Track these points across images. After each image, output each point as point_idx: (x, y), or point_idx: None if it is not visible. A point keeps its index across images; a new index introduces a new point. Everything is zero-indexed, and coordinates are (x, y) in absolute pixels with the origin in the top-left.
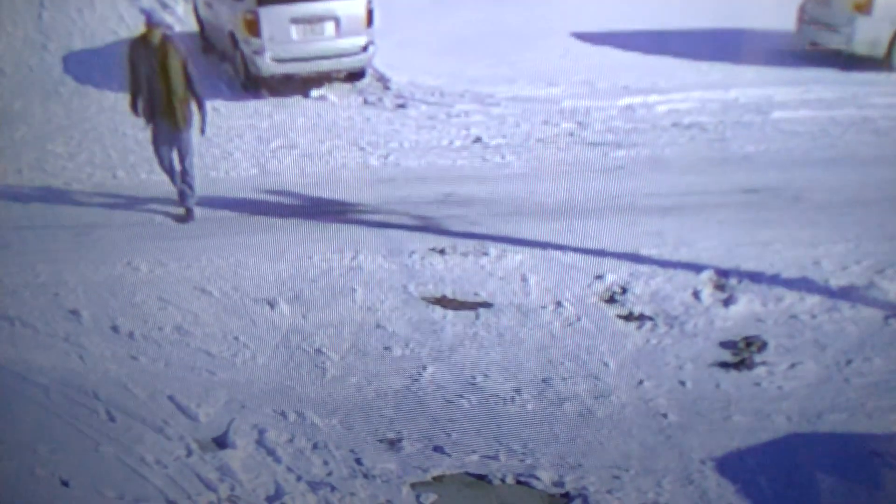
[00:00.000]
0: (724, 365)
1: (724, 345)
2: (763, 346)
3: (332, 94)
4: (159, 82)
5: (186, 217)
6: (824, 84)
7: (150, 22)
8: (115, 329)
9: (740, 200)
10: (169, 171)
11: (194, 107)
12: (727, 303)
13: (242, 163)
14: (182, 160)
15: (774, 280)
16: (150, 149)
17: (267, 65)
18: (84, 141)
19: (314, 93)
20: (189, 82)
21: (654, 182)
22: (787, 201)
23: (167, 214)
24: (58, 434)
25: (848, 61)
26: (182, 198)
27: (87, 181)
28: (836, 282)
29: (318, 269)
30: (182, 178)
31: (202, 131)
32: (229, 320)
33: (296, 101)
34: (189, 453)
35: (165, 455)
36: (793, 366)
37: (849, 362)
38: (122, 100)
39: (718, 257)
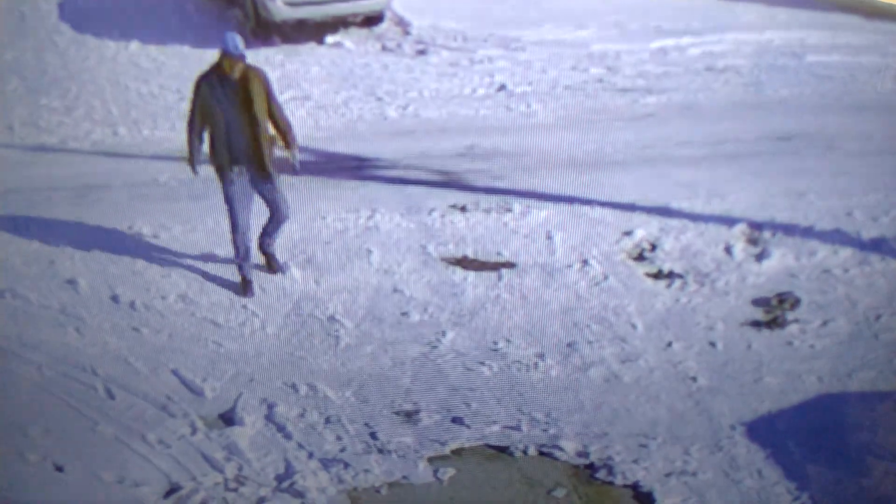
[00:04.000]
0: (756, 324)
1: (757, 302)
2: (796, 303)
3: (348, 40)
4: (243, 123)
5: (246, 289)
6: (852, 30)
7: (228, 52)
8: (114, 299)
9: (774, 148)
10: (244, 233)
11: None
12: (760, 258)
13: None
14: (275, 214)
15: (808, 233)
16: (154, 103)
17: (279, 9)
18: (82, 94)
19: (329, 39)
20: (276, 114)
21: (687, 130)
22: (820, 149)
23: (172, 174)
24: (52, 414)
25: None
26: (244, 263)
27: (84, 138)
28: (867, 233)
29: (331, 230)
30: (263, 241)
31: (295, 168)
32: (237, 287)
33: (309, 49)
34: (194, 431)
35: (168, 434)
36: (825, 323)
37: (878, 317)
38: (124, 49)
39: (752, 209)
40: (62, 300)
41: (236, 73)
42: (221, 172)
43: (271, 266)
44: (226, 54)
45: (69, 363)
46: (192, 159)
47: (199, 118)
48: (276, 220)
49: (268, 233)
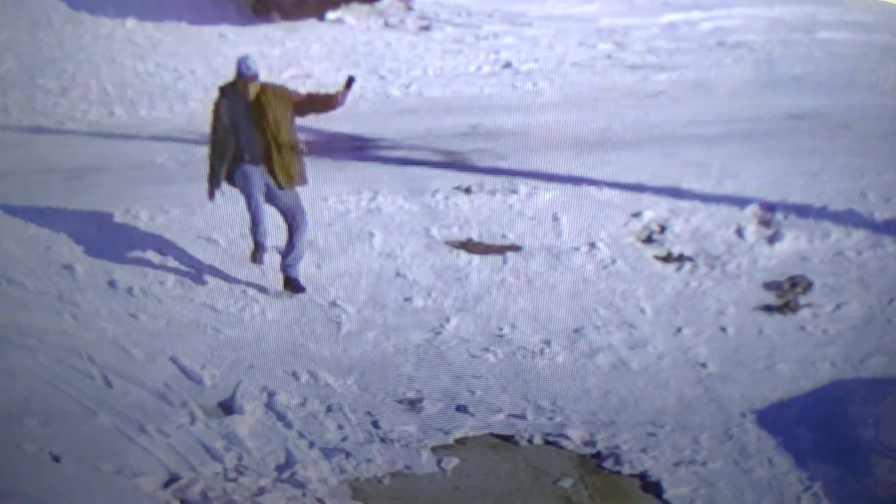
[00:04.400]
0: (768, 308)
1: (769, 286)
2: (808, 286)
3: (349, 16)
4: (261, 140)
5: (256, 256)
6: (858, 8)
7: (241, 74)
8: (112, 284)
9: (787, 127)
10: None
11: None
12: (772, 240)
13: None
14: (290, 224)
15: (821, 214)
16: (150, 82)
17: None
18: (78, 74)
19: (330, 15)
20: (312, 102)
21: (698, 108)
22: (834, 128)
23: (170, 155)
24: (48, 403)
25: None
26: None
27: (81, 119)
28: (880, 215)
29: (332, 213)
30: (285, 265)
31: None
32: (237, 272)
33: (310, 25)
34: (193, 420)
35: (167, 423)
36: (838, 307)
37: (891, 301)
38: (120, 26)
39: (764, 189)
40: (59, 286)
41: (251, 92)
42: (242, 176)
43: (295, 288)
44: (239, 76)
45: (66, 350)
46: (213, 182)
47: (221, 138)
48: (291, 231)
49: (288, 252)
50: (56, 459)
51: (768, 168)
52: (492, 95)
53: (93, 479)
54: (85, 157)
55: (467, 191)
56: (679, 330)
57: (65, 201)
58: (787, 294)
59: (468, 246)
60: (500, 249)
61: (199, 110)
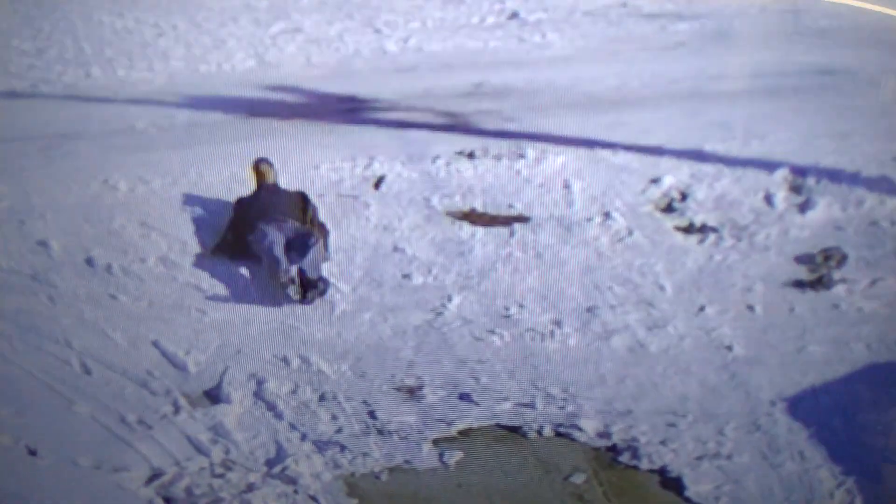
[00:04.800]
0: (799, 284)
1: (800, 259)
2: (843, 259)
3: None
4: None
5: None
6: None
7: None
8: (90, 262)
9: (816, 84)
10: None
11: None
12: (803, 208)
13: (237, 53)
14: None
15: (855, 179)
16: (129, 40)
17: None
18: (54, 33)
19: None
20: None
21: (721, 61)
22: (864, 86)
23: (150, 120)
24: (23, 392)
25: None
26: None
27: (56, 81)
28: None
29: (325, 181)
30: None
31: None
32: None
33: None
34: (177, 410)
35: (149, 413)
36: (873, 282)
37: None
38: None
39: (793, 152)
40: (33, 264)
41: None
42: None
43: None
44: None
45: (42, 335)
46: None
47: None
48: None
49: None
50: (32, 452)
51: (797, 128)
52: (497, 50)
53: (71, 473)
54: (60, 122)
55: (471, 156)
56: (702, 308)
57: (40, 172)
58: (820, 268)
59: (472, 217)
60: (507, 220)
61: (180, 70)
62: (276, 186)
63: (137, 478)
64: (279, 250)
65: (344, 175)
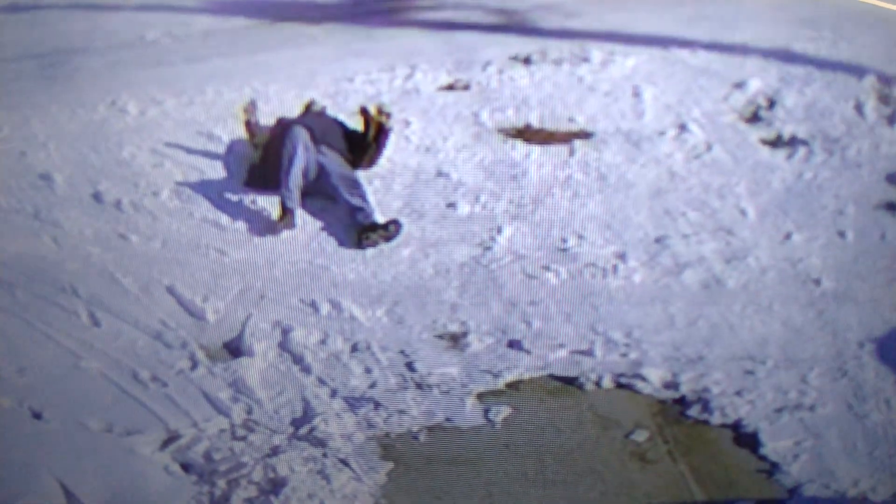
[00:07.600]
0: (891, 207)
1: (891, 179)
2: None
3: None
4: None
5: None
6: None
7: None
8: (97, 197)
9: None
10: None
11: None
12: (892, 120)
13: None
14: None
15: None
16: None
17: None
18: None
19: None
20: None
21: None
22: None
23: (163, 29)
24: (27, 348)
25: None
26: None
27: None
28: None
29: (360, 96)
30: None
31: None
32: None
33: None
34: (194, 365)
35: (164, 369)
36: None
37: None
38: None
39: (879, 57)
40: (35, 201)
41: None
42: None
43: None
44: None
45: (46, 282)
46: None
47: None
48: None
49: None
50: (37, 415)
51: (886, 30)
52: None
53: (79, 437)
54: (63, 36)
55: (526, 61)
56: (788, 236)
57: (41, 94)
58: None
59: (526, 134)
60: (567, 137)
61: None
62: (324, 113)
63: (152, 441)
64: (337, 180)
65: (381, 88)
